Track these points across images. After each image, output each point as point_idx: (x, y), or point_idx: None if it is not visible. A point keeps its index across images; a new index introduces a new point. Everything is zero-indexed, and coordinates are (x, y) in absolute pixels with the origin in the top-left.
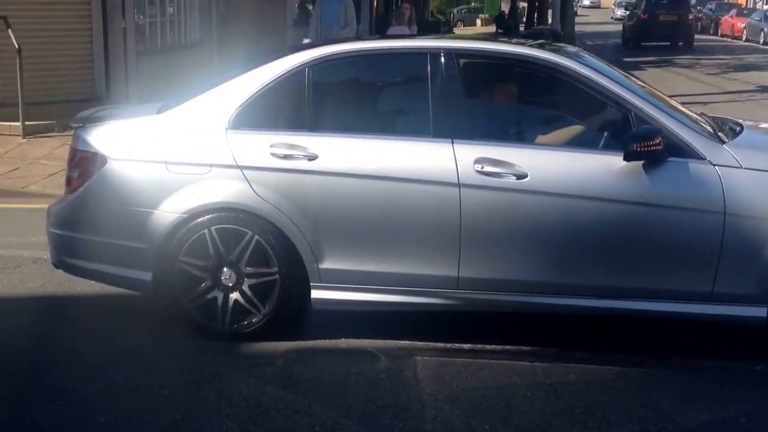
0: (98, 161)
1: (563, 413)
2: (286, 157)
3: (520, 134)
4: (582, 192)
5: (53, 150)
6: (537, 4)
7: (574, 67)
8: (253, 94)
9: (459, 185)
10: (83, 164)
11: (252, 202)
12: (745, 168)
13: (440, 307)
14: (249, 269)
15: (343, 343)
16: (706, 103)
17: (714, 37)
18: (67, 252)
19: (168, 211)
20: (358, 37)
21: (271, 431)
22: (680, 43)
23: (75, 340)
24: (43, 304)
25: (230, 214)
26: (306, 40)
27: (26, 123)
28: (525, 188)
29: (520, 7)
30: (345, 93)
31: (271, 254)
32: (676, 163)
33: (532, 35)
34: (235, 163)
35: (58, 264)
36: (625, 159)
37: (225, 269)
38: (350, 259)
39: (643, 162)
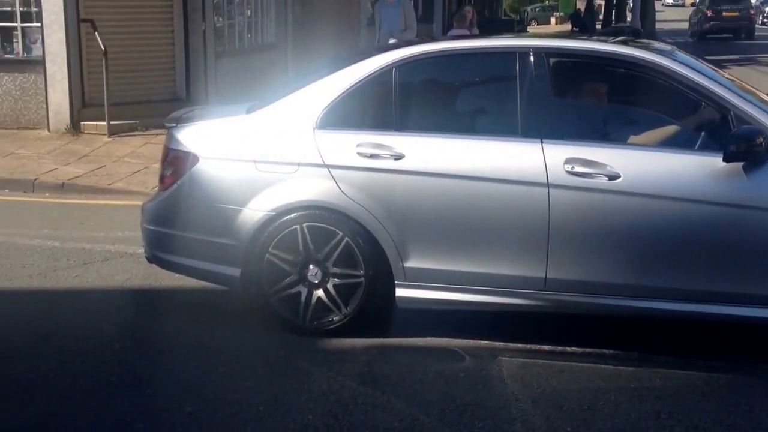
0: (190, 160)
1: (648, 417)
2: (372, 156)
3: (611, 134)
4: (677, 194)
5: (137, 149)
6: (615, 1)
7: (670, 65)
8: (341, 94)
9: (548, 185)
10: (176, 162)
11: (339, 201)
12: None
13: (526, 308)
14: (335, 269)
15: (423, 341)
16: None
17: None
18: (160, 247)
19: (256, 209)
20: (446, 37)
21: (350, 425)
22: (742, 35)
23: (160, 331)
24: (130, 297)
25: (318, 212)
26: (392, 41)
27: (111, 122)
28: (617, 189)
29: (597, 4)
30: (432, 93)
31: (357, 255)
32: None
33: (611, 34)
34: (322, 162)
35: (152, 258)
36: (724, 160)
37: (311, 266)
38: (436, 259)
39: (743, 163)
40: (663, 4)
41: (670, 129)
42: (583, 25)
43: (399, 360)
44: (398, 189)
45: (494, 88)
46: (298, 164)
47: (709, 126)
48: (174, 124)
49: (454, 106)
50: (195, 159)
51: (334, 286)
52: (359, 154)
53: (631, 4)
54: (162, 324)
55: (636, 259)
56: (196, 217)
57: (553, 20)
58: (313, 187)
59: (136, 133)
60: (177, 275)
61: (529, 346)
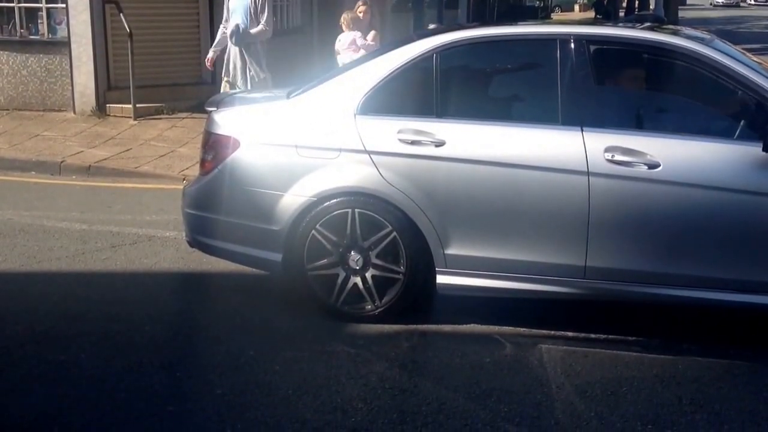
0: (231, 144)
1: (670, 404)
2: (413, 143)
3: (651, 123)
4: (717, 183)
5: (163, 132)
6: None
7: (710, 53)
8: (381, 80)
9: (588, 174)
10: (217, 147)
11: (380, 187)
12: None
13: (566, 296)
14: (378, 261)
15: (451, 327)
16: None
17: None
18: (200, 231)
19: (298, 194)
20: (485, 23)
21: (378, 408)
22: None
23: (190, 315)
24: (158, 280)
25: (364, 199)
26: (431, 26)
27: (137, 105)
28: (657, 178)
29: None
30: (472, 79)
31: (402, 251)
32: None
33: (634, 21)
34: (363, 148)
35: (193, 242)
36: (764, 150)
37: (354, 252)
38: (476, 246)
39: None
40: (712, 4)
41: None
42: (606, 13)
43: (426, 345)
44: (439, 176)
45: (534, 76)
46: (340, 150)
47: (749, 115)
48: (214, 108)
49: (495, 93)
50: (236, 143)
51: (373, 276)
52: (400, 140)
53: None
54: (191, 307)
55: (676, 248)
56: (237, 202)
57: (576, 7)
58: (354, 173)
59: (162, 116)
60: (205, 258)
61: (553, 332)
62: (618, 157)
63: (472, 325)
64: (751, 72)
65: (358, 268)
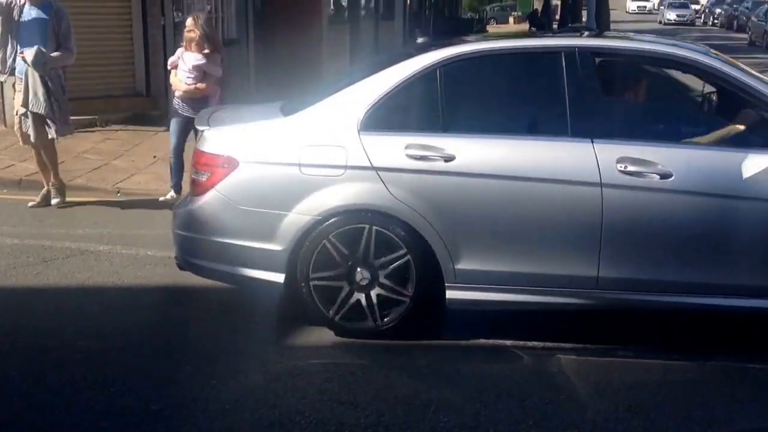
0: (229, 164)
1: (606, 411)
2: (422, 158)
3: (660, 133)
4: (728, 191)
5: (96, 144)
6: (571, 1)
7: (715, 64)
8: (383, 96)
9: (601, 185)
10: (213, 167)
11: (387, 203)
12: None
13: (577, 307)
14: (386, 281)
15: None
16: None
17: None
18: (194, 253)
19: (303, 213)
20: (488, 36)
21: (317, 421)
22: None
23: (124, 329)
24: (91, 295)
25: (365, 215)
26: (420, 39)
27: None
28: (670, 188)
29: (553, 4)
30: (478, 93)
31: (413, 276)
32: None
33: (572, 32)
34: (370, 165)
35: (184, 264)
36: None
37: (361, 269)
38: (486, 260)
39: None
40: (627, 12)
41: (728, 129)
42: (540, 25)
43: (367, 356)
44: (448, 190)
45: (541, 88)
46: (345, 167)
47: (757, 125)
48: (207, 127)
49: (501, 106)
50: (235, 163)
51: (378, 295)
52: (408, 156)
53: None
54: (125, 322)
55: (688, 256)
56: (236, 222)
57: (511, 19)
58: (361, 190)
59: (95, 128)
60: (140, 272)
61: (491, 341)
62: (630, 168)
63: (413, 341)
64: (758, 83)
65: (363, 284)
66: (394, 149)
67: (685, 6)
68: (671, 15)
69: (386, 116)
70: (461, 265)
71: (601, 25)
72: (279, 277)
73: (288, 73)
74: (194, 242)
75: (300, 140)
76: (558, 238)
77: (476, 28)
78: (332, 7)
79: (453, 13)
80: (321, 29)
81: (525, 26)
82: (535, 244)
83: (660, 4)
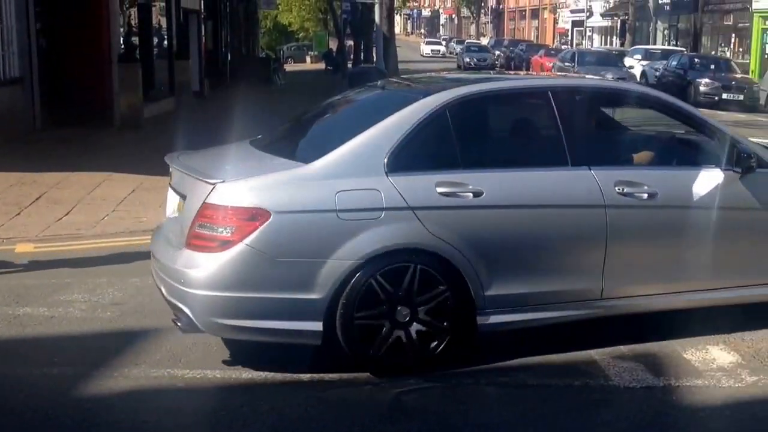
0: (260, 215)
1: None
2: (452, 195)
3: (634, 158)
4: (700, 203)
5: None
6: (362, 43)
7: (668, 99)
8: (402, 139)
9: (605, 207)
10: (240, 220)
11: (426, 240)
12: None
13: (585, 317)
14: (426, 317)
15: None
16: None
17: None
18: (224, 313)
19: (343, 258)
20: (488, 77)
21: None
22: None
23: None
24: None
25: (406, 254)
26: (380, 83)
27: None
28: (657, 204)
29: (348, 45)
30: (485, 130)
31: (449, 307)
32: (761, 173)
33: (358, 73)
34: (406, 205)
35: (211, 328)
36: (743, 172)
37: (401, 307)
38: (511, 283)
39: (741, 173)
40: (422, 55)
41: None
42: (335, 65)
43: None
44: (478, 223)
45: (539, 123)
46: (382, 209)
47: (705, 146)
48: (220, 180)
49: (508, 141)
50: (266, 215)
51: (417, 331)
52: (441, 193)
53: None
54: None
55: (675, 259)
56: (271, 275)
57: (308, 59)
58: (401, 230)
59: None
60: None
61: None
62: (626, 189)
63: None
64: (694, 109)
65: (403, 321)
66: (426, 188)
67: (485, 50)
68: (471, 59)
69: (408, 157)
70: (490, 291)
71: (389, 65)
72: (317, 326)
73: (78, 110)
74: (224, 302)
75: (333, 186)
76: (571, 257)
77: (273, 66)
78: (123, 45)
79: (250, 52)
80: (111, 67)
81: (321, 65)
82: (553, 264)
83: (449, 47)
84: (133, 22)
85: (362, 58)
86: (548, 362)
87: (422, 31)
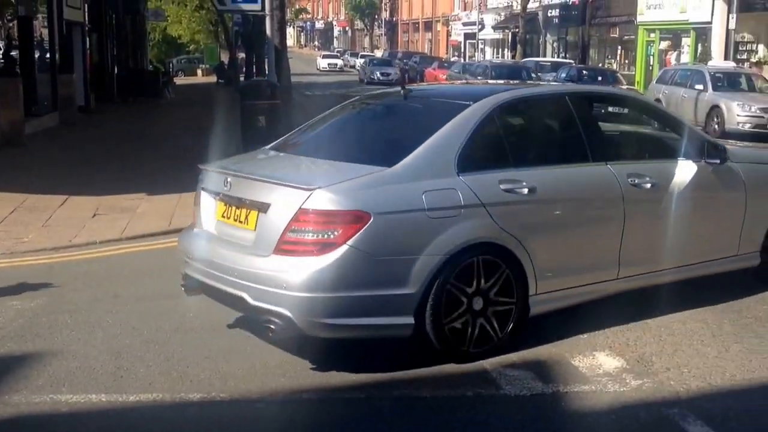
0: (362, 218)
1: None
2: (512, 191)
3: (632, 153)
4: (685, 190)
5: None
6: (255, 55)
7: (650, 103)
8: (465, 141)
9: (623, 196)
10: (341, 223)
11: (495, 233)
12: (737, 163)
13: (607, 294)
14: (496, 297)
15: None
16: None
17: None
18: (325, 313)
19: (433, 254)
20: (519, 84)
21: None
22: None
23: None
24: None
25: (482, 247)
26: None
27: None
28: (656, 191)
29: (240, 57)
30: (525, 131)
31: (513, 283)
32: (728, 165)
33: (249, 86)
34: (479, 202)
35: (310, 328)
36: (720, 162)
37: (477, 297)
38: (556, 268)
39: (715, 164)
40: (318, 70)
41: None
42: (227, 78)
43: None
44: (533, 216)
45: (564, 124)
46: (461, 207)
47: (683, 142)
48: (316, 186)
49: (547, 141)
50: (367, 217)
51: (494, 312)
52: (504, 190)
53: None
54: None
55: (671, 238)
56: (372, 273)
57: (199, 72)
58: (477, 225)
59: None
60: None
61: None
62: (636, 181)
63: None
64: (670, 112)
65: (479, 309)
66: (492, 185)
67: (388, 64)
68: (376, 74)
69: (471, 158)
70: (540, 277)
71: (282, 78)
72: (409, 319)
73: None
74: (326, 301)
75: (420, 187)
76: (600, 240)
77: (163, 80)
78: (2, 59)
79: (138, 66)
80: None
81: (213, 78)
82: (585, 248)
83: (345, 59)
84: (13, 36)
85: (255, 70)
86: (441, 374)
87: (316, 43)
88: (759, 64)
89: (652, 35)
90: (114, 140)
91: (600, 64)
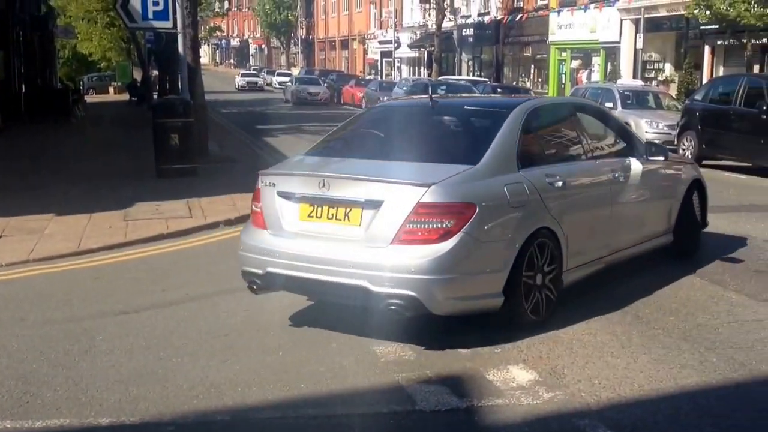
0: (469, 209)
1: None
2: (554, 183)
3: (603, 151)
4: (635, 182)
5: None
6: (169, 73)
7: (607, 111)
8: (517, 141)
9: (610, 185)
10: (456, 213)
11: (550, 220)
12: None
13: (600, 270)
14: (547, 268)
15: None
16: None
17: (337, 106)
18: (449, 292)
19: (515, 240)
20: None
21: None
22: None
23: None
24: None
25: (542, 231)
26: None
27: None
28: (621, 182)
29: (153, 75)
30: (548, 133)
31: (556, 259)
32: (667, 161)
33: (162, 104)
34: (538, 194)
35: (436, 306)
36: (665, 161)
37: (539, 274)
38: (579, 246)
39: (660, 161)
40: (237, 88)
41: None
42: (140, 96)
43: None
44: (566, 203)
45: (568, 127)
46: (528, 197)
47: (628, 143)
48: (431, 182)
49: (565, 141)
50: (473, 207)
51: (550, 280)
52: (548, 183)
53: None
54: None
55: (626, 223)
56: (479, 255)
57: (111, 89)
58: (539, 213)
59: None
60: None
61: None
62: (616, 174)
63: None
64: (617, 121)
65: (540, 284)
66: (541, 179)
67: (315, 83)
68: (303, 93)
69: (522, 156)
70: (571, 254)
71: (195, 96)
72: (500, 293)
73: None
74: (449, 282)
75: (502, 181)
76: (601, 222)
77: (73, 98)
78: None
79: (48, 84)
80: None
81: (125, 96)
82: (596, 228)
83: (262, 77)
84: None
85: (168, 88)
86: (356, 390)
87: (232, 61)
88: (666, 82)
89: (564, 54)
90: (21, 160)
91: (514, 82)
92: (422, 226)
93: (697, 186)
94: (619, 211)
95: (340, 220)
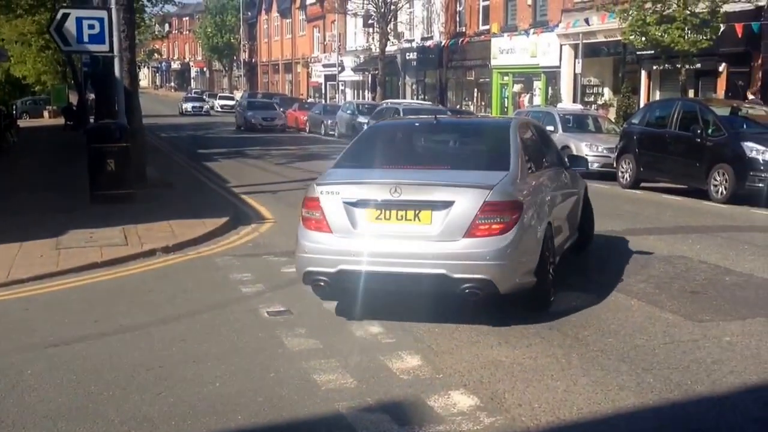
0: (521, 205)
1: None
2: (546, 184)
3: (550, 160)
4: (565, 189)
5: None
6: (105, 97)
7: (545, 128)
8: (521, 150)
9: (560, 189)
10: (512, 209)
11: (551, 214)
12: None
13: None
14: (546, 252)
15: None
16: (275, 192)
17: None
18: (514, 275)
19: (540, 230)
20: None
21: None
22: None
23: None
24: None
25: (548, 222)
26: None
27: None
28: (563, 188)
29: (89, 99)
30: (532, 143)
31: (552, 244)
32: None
33: (97, 129)
34: (543, 192)
35: (506, 286)
36: (586, 170)
37: (550, 258)
38: (558, 237)
39: (582, 170)
40: (181, 113)
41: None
42: (76, 120)
43: None
44: (553, 200)
45: (540, 140)
46: (540, 195)
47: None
48: (492, 184)
49: (538, 149)
50: (521, 204)
51: (553, 273)
52: (546, 184)
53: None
54: None
55: (566, 222)
56: (527, 244)
57: (46, 113)
58: (546, 208)
59: None
60: None
61: None
62: (566, 180)
63: None
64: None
65: (551, 262)
66: (541, 179)
67: (270, 107)
68: (257, 118)
69: (529, 162)
70: (556, 243)
71: (133, 120)
72: (534, 277)
73: None
74: (515, 266)
75: (527, 182)
76: (564, 219)
77: (5, 122)
78: None
79: None
80: None
81: (60, 120)
82: (568, 222)
83: (208, 101)
84: None
85: (105, 112)
86: (296, 421)
87: (172, 84)
88: (605, 106)
89: (506, 78)
90: None
91: (458, 105)
92: (489, 221)
93: None
94: (560, 207)
95: (410, 220)
